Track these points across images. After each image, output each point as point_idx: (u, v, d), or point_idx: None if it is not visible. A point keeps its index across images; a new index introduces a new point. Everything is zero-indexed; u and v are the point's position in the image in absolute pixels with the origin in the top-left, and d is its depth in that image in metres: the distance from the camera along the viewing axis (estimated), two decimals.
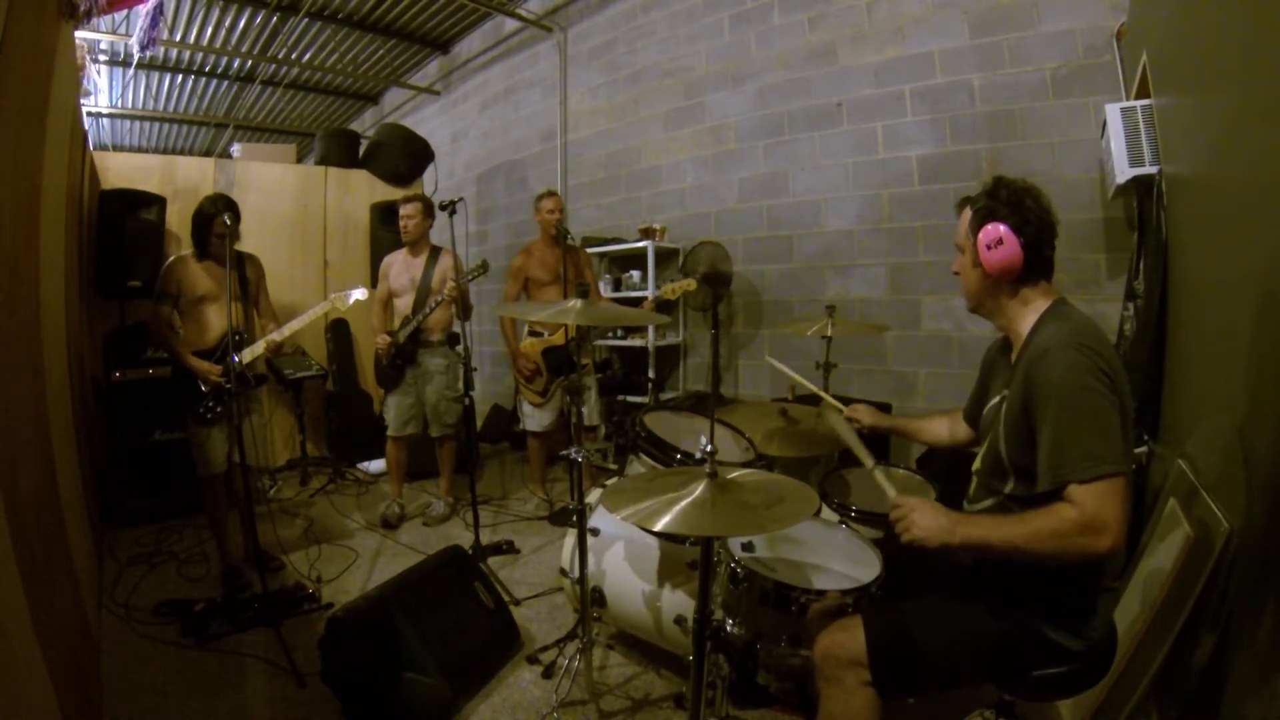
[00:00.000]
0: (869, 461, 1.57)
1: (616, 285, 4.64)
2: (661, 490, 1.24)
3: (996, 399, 1.38)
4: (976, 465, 1.43)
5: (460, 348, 3.07)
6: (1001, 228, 1.27)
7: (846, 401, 1.92)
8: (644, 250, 4.36)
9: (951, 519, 1.21)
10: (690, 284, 3.22)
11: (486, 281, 4.39)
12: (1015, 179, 1.34)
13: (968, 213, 1.37)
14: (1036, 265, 1.30)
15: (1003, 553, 1.16)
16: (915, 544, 1.20)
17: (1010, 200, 1.29)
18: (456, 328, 3.50)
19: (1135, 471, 2.03)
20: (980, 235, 1.31)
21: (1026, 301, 1.32)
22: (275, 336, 2.78)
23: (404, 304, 3.50)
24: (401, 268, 3.53)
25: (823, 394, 2.01)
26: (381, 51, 6.74)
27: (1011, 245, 1.27)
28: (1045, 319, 1.28)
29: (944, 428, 1.72)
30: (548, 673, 2.15)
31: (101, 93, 6.53)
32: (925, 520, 1.20)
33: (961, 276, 1.41)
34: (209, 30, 5.74)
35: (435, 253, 3.51)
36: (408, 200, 3.52)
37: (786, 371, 2.16)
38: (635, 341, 4.50)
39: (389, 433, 3.58)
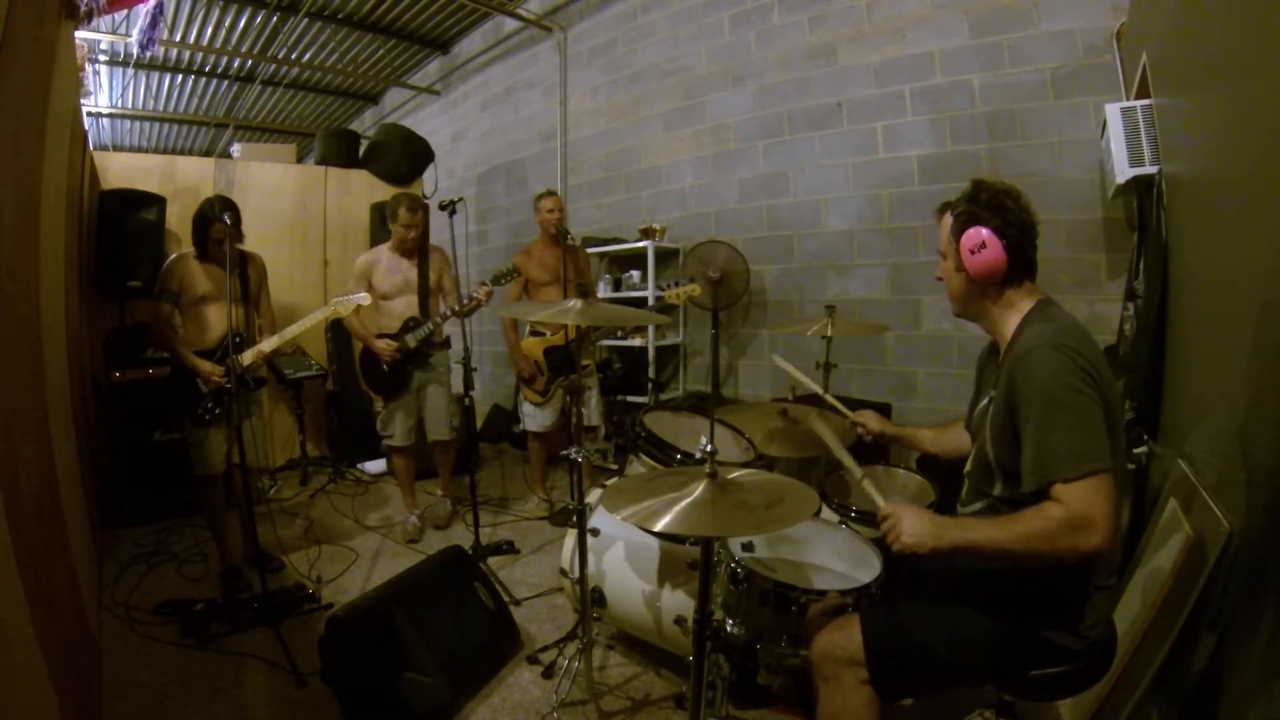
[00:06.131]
0: (857, 472, 1.56)
1: (616, 285, 4.64)
2: (661, 490, 1.24)
3: (984, 401, 1.38)
4: (968, 468, 1.43)
5: (461, 348, 3.05)
6: (984, 231, 1.28)
7: (848, 403, 1.91)
8: (644, 250, 4.37)
9: (938, 524, 1.20)
10: (695, 289, 3.19)
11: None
12: (995, 181, 1.34)
13: (948, 218, 1.37)
14: (1020, 266, 1.30)
15: (992, 555, 1.15)
16: (905, 551, 1.20)
17: (991, 203, 1.29)
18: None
19: (1135, 471, 2.03)
20: (963, 239, 1.31)
21: (1011, 303, 1.33)
22: (265, 346, 2.74)
23: (400, 305, 3.32)
24: (388, 269, 3.31)
25: (827, 397, 2.00)
26: (381, 51, 6.75)
27: (995, 248, 1.27)
28: (1029, 320, 1.29)
29: (949, 440, 1.67)
30: (548, 673, 2.15)
31: (101, 93, 6.53)
32: (912, 527, 1.20)
33: (946, 282, 1.41)
34: (209, 30, 5.74)
35: (424, 250, 3.38)
36: (412, 209, 3.27)
37: (791, 371, 2.15)
38: (635, 341, 4.50)
39: (395, 442, 3.37)
